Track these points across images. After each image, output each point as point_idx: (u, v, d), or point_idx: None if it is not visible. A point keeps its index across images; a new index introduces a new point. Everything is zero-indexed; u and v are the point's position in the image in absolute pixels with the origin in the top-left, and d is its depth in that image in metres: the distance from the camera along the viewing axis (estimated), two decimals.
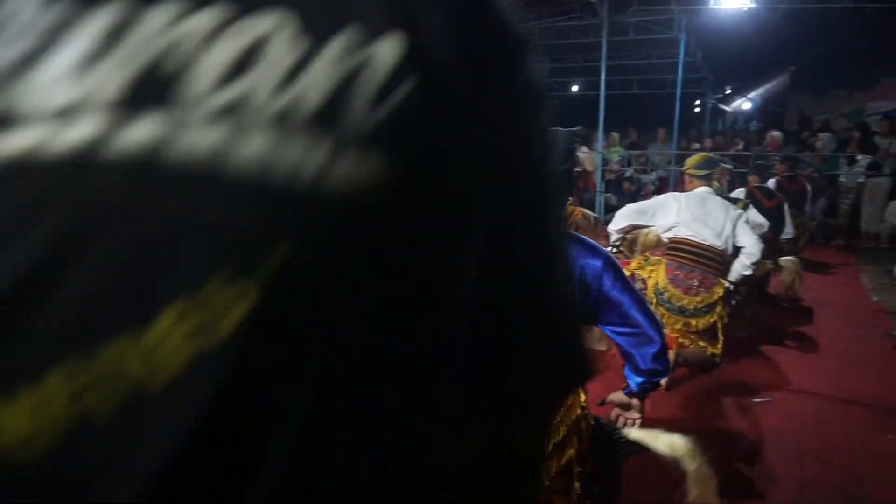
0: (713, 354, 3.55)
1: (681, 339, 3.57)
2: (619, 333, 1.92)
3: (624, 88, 13.67)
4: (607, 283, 1.80)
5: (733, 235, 3.55)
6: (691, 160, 3.82)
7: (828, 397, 3.45)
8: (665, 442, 1.88)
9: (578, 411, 1.92)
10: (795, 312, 5.04)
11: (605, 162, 10.76)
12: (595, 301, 1.82)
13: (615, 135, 11.11)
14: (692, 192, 3.76)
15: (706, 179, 3.71)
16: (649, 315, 1.88)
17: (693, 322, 3.53)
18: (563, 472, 1.92)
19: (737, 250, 3.60)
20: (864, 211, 9.08)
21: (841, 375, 3.77)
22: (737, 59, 13.42)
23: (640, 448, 1.97)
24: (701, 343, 3.56)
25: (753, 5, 9.21)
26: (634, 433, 1.97)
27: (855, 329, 4.74)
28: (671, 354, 3.51)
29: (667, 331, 3.64)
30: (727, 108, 19.28)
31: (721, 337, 3.54)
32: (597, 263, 1.79)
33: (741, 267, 3.55)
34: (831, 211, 9.30)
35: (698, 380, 3.64)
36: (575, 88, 15.38)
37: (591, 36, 10.56)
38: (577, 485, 1.95)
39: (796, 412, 3.23)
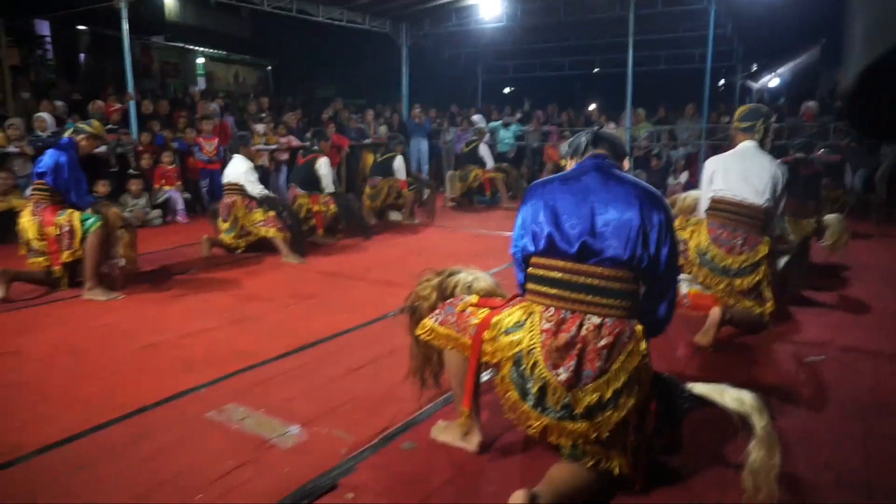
0: (761, 314, 3.45)
1: (726, 299, 3.46)
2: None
3: (651, 64, 13.40)
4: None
5: (776, 188, 3.42)
6: (738, 112, 3.71)
7: (881, 354, 3.33)
8: (732, 397, 1.81)
9: (638, 360, 1.85)
10: (839, 275, 4.90)
11: (633, 139, 10.58)
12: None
13: (641, 111, 10.90)
14: (734, 150, 3.64)
15: (749, 133, 3.58)
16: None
17: (738, 282, 3.42)
18: (621, 423, 1.86)
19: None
20: None
21: (891, 335, 3.65)
22: (767, 30, 13.08)
23: (703, 403, 1.90)
24: (747, 303, 3.45)
25: None
26: (699, 387, 1.90)
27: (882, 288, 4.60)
28: (716, 312, 3.43)
29: (710, 292, 3.55)
30: (755, 85, 18.87)
31: (768, 296, 3.43)
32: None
33: None
34: (870, 184, 9.00)
35: (747, 339, 3.54)
36: (599, 66, 15.11)
37: (618, 10, 10.35)
38: (632, 438, 1.89)
39: (851, 370, 3.13)
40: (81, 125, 4.82)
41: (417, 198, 7.93)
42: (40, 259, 4.52)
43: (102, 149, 7.67)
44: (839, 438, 2.40)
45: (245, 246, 5.95)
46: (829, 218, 4.51)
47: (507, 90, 19.60)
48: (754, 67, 18.01)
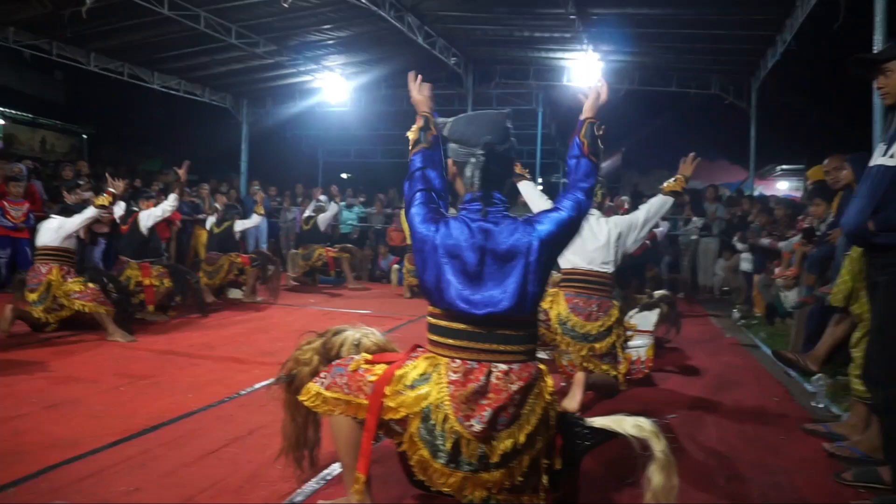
0: (616, 377, 3.64)
1: (585, 364, 3.62)
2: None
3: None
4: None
5: (618, 247, 3.72)
6: None
7: (720, 412, 3.66)
8: (631, 424, 1.83)
9: (547, 397, 1.83)
10: (670, 348, 5.40)
11: None
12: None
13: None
14: None
15: None
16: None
17: (597, 346, 3.61)
18: (532, 464, 1.80)
19: (623, 267, 3.80)
20: (699, 267, 10.21)
21: (723, 394, 4.06)
22: None
23: (604, 436, 1.90)
24: (604, 367, 3.64)
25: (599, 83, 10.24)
26: (599, 420, 1.90)
27: (720, 358, 5.19)
28: (581, 376, 3.56)
29: (573, 358, 3.69)
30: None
31: (622, 358, 3.65)
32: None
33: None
34: (675, 267, 10.35)
35: (604, 404, 3.69)
36: None
37: (456, 105, 11.11)
38: (545, 479, 1.83)
39: (698, 426, 3.38)
40: None
41: (260, 274, 7.51)
42: None
43: None
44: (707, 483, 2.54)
45: (56, 323, 5.13)
46: (661, 294, 4.99)
47: (344, 175, 19.81)
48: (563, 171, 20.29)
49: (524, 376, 1.79)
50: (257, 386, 3.78)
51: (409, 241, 8.94)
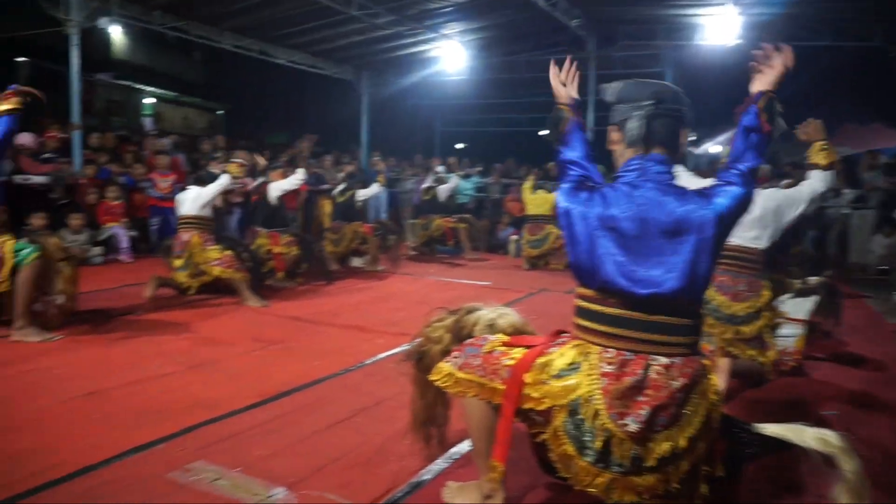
0: (763, 364, 3.30)
1: (730, 349, 3.30)
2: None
3: (606, 124, 13.75)
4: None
5: (775, 222, 3.32)
6: (725, 152, 3.65)
7: (890, 409, 3.21)
8: (813, 436, 1.57)
9: (712, 397, 1.61)
10: (824, 334, 4.85)
11: None
12: None
13: (601, 167, 11.03)
14: None
15: None
16: None
17: (744, 329, 3.27)
18: (691, 471, 1.60)
19: (780, 241, 3.41)
20: (852, 242, 9.16)
21: (892, 389, 3.57)
22: (714, 98, 13.72)
23: (774, 446, 1.67)
24: (750, 352, 3.30)
25: (739, 41, 9.36)
26: (772, 428, 1.66)
27: (883, 347, 4.59)
28: (724, 363, 3.25)
29: (715, 341, 3.38)
30: (696, 151, 19.76)
31: (771, 344, 3.30)
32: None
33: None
34: (819, 243, 9.36)
35: (751, 392, 3.36)
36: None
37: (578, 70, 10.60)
38: (704, 488, 1.63)
39: (864, 426, 2.97)
40: None
41: (382, 244, 7.63)
42: None
43: (42, 179, 7.11)
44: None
45: (198, 287, 5.48)
46: (815, 280, 4.45)
47: (459, 146, 19.76)
48: (693, 136, 18.90)
49: (687, 372, 1.59)
50: (381, 356, 3.80)
51: (527, 212, 8.78)
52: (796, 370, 3.79)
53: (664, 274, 1.58)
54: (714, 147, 20.77)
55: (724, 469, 1.68)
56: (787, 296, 3.90)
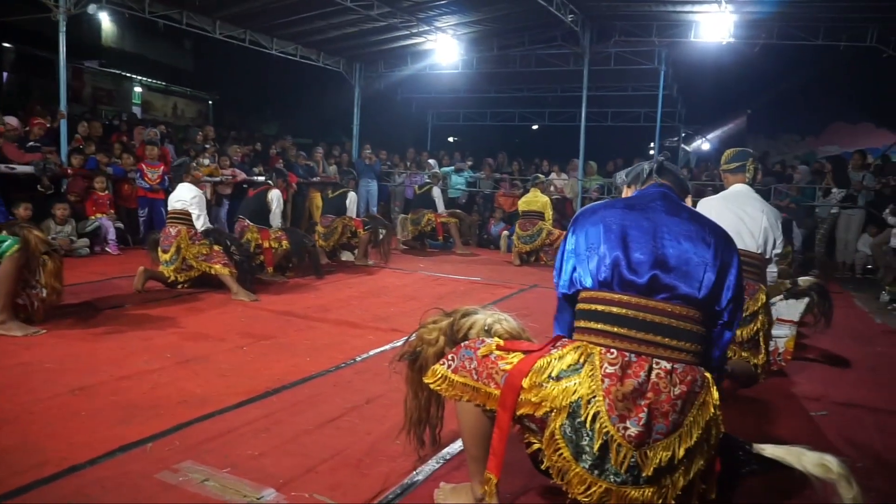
0: (755, 365, 3.30)
1: None
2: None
3: (598, 120, 13.77)
4: None
5: (773, 233, 3.33)
6: (724, 155, 3.64)
7: (880, 410, 3.22)
8: (813, 462, 1.55)
9: (711, 413, 1.59)
10: (811, 333, 4.87)
11: (585, 190, 10.69)
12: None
13: (593, 164, 11.06)
14: (725, 194, 3.55)
15: (740, 173, 3.49)
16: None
17: (739, 331, 3.27)
18: (687, 489, 1.58)
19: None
20: (839, 241, 9.21)
21: (882, 389, 3.59)
22: (705, 96, 13.77)
23: (771, 467, 1.65)
24: (744, 354, 3.30)
25: (732, 39, 9.36)
26: (771, 449, 1.64)
27: (872, 347, 4.62)
28: None
29: None
30: (688, 148, 19.80)
31: (763, 347, 3.30)
32: None
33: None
34: (808, 242, 9.41)
35: (743, 393, 3.36)
36: (549, 119, 15.44)
37: (571, 65, 10.59)
38: None
39: (855, 427, 2.99)
40: None
41: (372, 238, 7.59)
42: None
43: (28, 168, 7.00)
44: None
45: (185, 281, 5.42)
46: (805, 280, 4.47)
47: (451, 139, 19.70)
48: (683, 133, 18.92)
49: (688, 380, 1.57)
50: (372, 352, 3.77)
51: (517, 208, 8.77)
52: (787, 370, 3.81)
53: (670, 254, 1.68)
54: (705, 144, 20.88)
55: (720, 489, 1.66)
56: (778, 297, 3.91)
